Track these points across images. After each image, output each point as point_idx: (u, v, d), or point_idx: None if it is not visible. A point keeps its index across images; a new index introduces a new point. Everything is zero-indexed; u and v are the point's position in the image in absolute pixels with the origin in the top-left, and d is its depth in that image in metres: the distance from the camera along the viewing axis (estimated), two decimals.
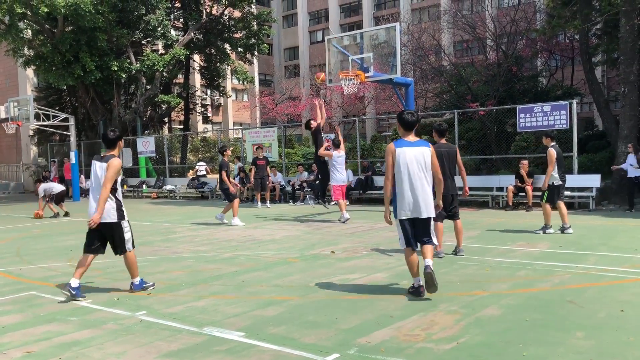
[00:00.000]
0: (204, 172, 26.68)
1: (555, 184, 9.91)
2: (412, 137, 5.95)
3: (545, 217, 10.01)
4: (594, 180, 14.33)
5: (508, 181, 15.12)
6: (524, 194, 14.55)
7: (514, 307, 5.31)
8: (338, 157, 12.94)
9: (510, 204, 14.58)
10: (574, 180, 14.58)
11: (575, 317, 4.96)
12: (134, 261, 6.41)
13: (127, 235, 6.36)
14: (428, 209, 5.81)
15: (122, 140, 6.86)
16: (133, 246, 6.44)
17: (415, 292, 5.81)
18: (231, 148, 32.05)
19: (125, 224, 6.32)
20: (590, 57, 20.93)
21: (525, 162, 14.88)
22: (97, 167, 6.31)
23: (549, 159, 9.85)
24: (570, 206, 14.49)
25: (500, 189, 15.34)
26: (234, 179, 21.24)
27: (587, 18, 18.69)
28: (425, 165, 5.84)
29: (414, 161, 5.81)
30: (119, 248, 6.37)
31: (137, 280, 6.50)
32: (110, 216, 6.22)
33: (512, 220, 12.22)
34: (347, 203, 14.56)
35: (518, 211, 14.19)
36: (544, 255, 7.91)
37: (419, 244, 5.89)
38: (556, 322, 4.83)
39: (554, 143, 10.12)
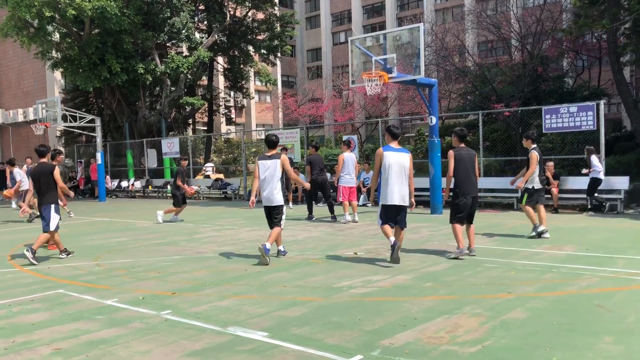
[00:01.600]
0: (209, 173, 27.04)
1: (535, 187, 9.88)
2: (395, 145, 7.90)
3: (530, 218, 9.87)
4: (622, 183, 14.06)
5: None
6: (549, 196, 14.33)
7: (540, 311, 5.23)
8: (348, 157, 13.08)
9: None
10: (602, 182, 14.31)
11: (603, 321, 4.87)
12: (278, 233, 8.38)
13: (283, 216, 8.41)
14: (403, 199, 7.72)
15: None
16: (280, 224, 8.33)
17: (392, 247, 7.70)
18: (253, 149, 32.28)
19: (284, 208, 8.43)
20: (618, 57, 20.54)
21: (551, 163, 14.65)
22: (270, 163, 8.28)
23: (531, 161, 9.74)
24: (598, 208, 14.26)
25: None
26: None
27: (615, 17, 18.35)
28: (404, 168, 7.71)
29: (396, 163, 7.69)
30: (275, 224, 8.31)
31: (281, 247, 8.65)
32: (279, 200, 8.25)
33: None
34: (358, 204, 14.77)
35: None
36: (570, 258, 7.79)
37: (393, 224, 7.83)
38: (584, 326, 4.75)
39: (535, 145, 10.05)
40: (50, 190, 8.94)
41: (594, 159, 13.66)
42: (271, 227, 8.32)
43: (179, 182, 13.92)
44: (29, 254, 8.55)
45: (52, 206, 8.92)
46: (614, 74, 20.11)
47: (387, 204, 7.71)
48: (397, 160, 7.67)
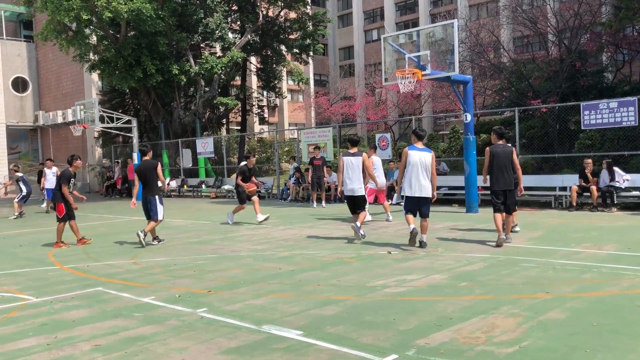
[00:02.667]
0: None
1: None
2: (420, 145, 9.01)
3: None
4: None
5: (572, 181, 14.59)
6: (588, 194, 14.01)
7: (579, 311, 5.11)
8: (376, 160, 12.87)
9: (574, 204, 14.07)
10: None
11: None
12: (365, 215, 10.24)
13: (366, 204, 10.40)
14: (423, 192, 8.75)
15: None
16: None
17: (410, 233, 8.83)
18: (286, 148, 32.40)
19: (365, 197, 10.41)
20: None
21: (590, 161, 14.31)
22: (354, 160, 9.97)
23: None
24: (639, 207, 13.87)
25: (564, 188, 14.82)
26: (289, 179, 21.48)
27: None
28: (426, 165, 8.77)
29: (418, 160, 8.77)
30: (362, 209, 10.08)
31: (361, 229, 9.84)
32: (361, 191, 10.05)
33: (576, 221, 11.78)
34: (392, 203, 15.08)
35: (582, 211, 13.68)
36: (611, 258, 7.59)
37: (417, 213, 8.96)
38: (626, 327, 4.62)
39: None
40: (154, 183, 10.24)
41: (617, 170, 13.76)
42: (358, 212, 10.02)
43: (239, 182, 13.26)
44: (141, 235, 9.98)
45: (157, 197, 10.23)
46: None
47: (410, 196, 8.84)
48: (419, 158, 8.79)
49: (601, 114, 14.58)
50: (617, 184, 13.67)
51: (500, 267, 7.23)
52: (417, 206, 8.86)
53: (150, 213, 10.29)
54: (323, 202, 17.82)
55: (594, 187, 13.79)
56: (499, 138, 9.14)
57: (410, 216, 8.89)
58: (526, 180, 15.84)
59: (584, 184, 14.09)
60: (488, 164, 8.99)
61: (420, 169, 8.72)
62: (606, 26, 21.53)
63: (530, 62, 23.27)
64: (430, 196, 8.83)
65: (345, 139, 18.89)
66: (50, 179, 17.79)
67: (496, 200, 8.92)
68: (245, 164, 13.52)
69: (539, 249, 8.51)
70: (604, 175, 13.90)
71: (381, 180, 12.85)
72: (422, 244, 8.82)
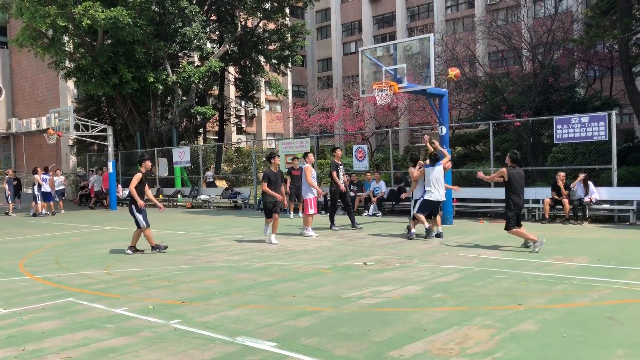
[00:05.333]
0: (212, 179, 27.19)
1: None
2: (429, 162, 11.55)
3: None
4: (634, 193, 13.92)
5: (544, 193, 14.83)
6: (560, 206, 14.25)
7: (551, 323, 5.19)
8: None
9: (547, 216, 14.30)
10: (613, 193, 14.21)
11: (615, 334, 4.82)
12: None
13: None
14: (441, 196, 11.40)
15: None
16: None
17: (427, 230, 11.37)
18: (264, 158, 32.36)
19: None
20: (630, 67, 20.40)
21: (562, 174, 14.57)
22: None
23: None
24: (609, 220, 14.15)
25: (537, 201, 15.06)
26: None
27: (627, 27, 18.26)
28: (439, 177, 11.45)
29: (435, 175, 11.40)
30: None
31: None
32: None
33: (548, 233, 11.96)
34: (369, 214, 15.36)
35: (555, 224, 13.90)
36: (582, 270, 7.72)
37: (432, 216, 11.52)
38: (596, 338, 4.70)
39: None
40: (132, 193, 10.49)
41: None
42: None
43: (265, 188, 11.29)
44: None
45: (133, 207, 10.49)
46: (626, 84, 19.97)
47: (431, 200, 11.32)
48: (436, 173, 11.45)
49: (573, 128, 14.87)
50: (586, 200, 13.94)
51: (474, 278, 7.30)
52: (438, 209, 11.68)
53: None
54: (300, 213, 17.80)
55: (566, 200, 14.02)
56: (512, 162, 9.84)
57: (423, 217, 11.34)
58: (500, 193, 16.06)
59: (556, 197, 14.33)
60: (511, 185, 9.65)
61: (438, 181, 11.39)
62: (577, 43, 22.01)
63: (505, 77, 23.63)
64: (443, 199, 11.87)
65: (330, 149, 18.88)
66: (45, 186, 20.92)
67: (517, 217, 9.79)
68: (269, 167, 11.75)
69: (512, 260, 8.61)
70: (579, 188, 14.16)
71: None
72: (441, 234, 11.45)
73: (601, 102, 21.49)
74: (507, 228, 9.74)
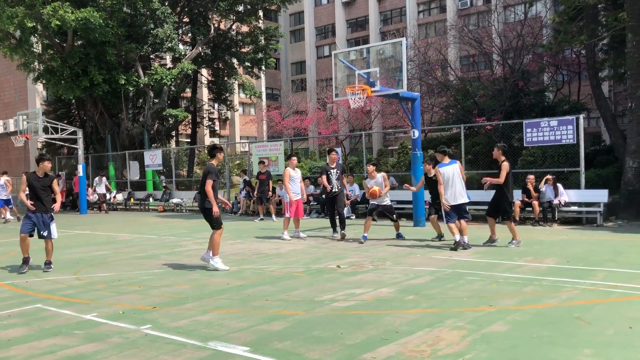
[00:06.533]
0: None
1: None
2: (447, 159, 10.48)
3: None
4: (601, 196, 14.26)
5: (515, 196, 15.01)
6: (530, 208, 14.48)
7: (521, 324, 5.26)
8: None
9: (517, 218, 14.51)
10: (581, 195, 14.52)
11: (583, 334, 4.91)
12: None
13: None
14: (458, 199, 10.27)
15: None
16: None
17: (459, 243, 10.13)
18: (237, 162, 32.21)
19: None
20: (597, 72, 20.91)
21: (532, 176, 14.82)
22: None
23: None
24: (577, 221, 14.43)
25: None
26: (239, 192, 21.32)
27: (593, 33, 18.71)
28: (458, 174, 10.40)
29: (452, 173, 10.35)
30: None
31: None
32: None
33: (519, 235, 12.12)
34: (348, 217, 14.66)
35: (525, 226, 14.11)
36: (551, 271, 7.85)
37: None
38: (564, 338, 4.78)
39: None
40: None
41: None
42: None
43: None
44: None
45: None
46: (593, 89, 20.45)
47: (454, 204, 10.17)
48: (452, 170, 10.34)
49: (542, 131, 15.16)
50: (555, 201, 14.20)
51: (445, 280, 7.37)
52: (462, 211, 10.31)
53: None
54: (273, 216, 17.78)
55: (536, 203, 14.26)
56: (503, 154, 10.30)
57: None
58: (472, 195, 16.28)
59: (526, 199, 14.56)
60: (507, 177, 10.05)
61: (456, 178, 10.22)
62: (546, 48, 22.47)
63: (476, 81, 23.99)
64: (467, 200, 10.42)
65: (304, 152, 18.90)
66: None
67: (511, 207, 10.45)
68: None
69: (483, 262, 8.72)
70: (548, 190, 14.41)
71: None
72: (467, 245, 10.16)
73: (569, 106, 21.96)
74: (507, 218, 10.29)
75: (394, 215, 11.89)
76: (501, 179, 10.07)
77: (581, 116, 15.03)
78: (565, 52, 25.60)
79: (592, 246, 10.26)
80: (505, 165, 10.11)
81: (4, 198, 20.30)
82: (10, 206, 20.79)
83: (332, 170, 12.51)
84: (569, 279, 7.22)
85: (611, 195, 14.75)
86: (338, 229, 12.48)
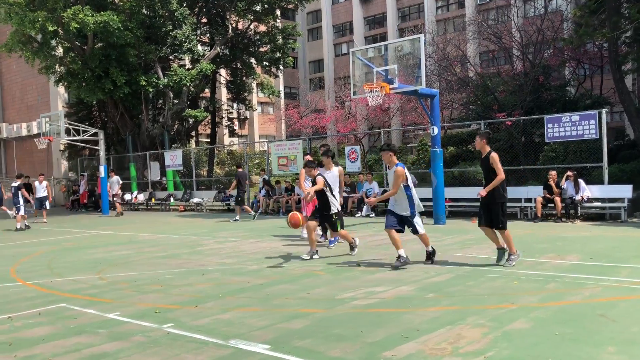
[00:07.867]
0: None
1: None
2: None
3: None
4: (625, 191, 14.03)
5: (536, 192, 14.89)
6: (552, 205, 14.32)
7: (543, 321, 5.21)
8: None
9: (539, 215, 14.36)
10: (605, 191, 14.31)
11: (606, 331, 4.84)
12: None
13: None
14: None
15: None
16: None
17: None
18: (256, 161, 32.35)
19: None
20: (620, 66, 20.53)
21: (554, 172, 14.65)
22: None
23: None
24: (601, 217, 14.22)
25: (529, 200, 15.11)
26: (258, 191, 21.40)
27: (616, 26, 18.38)
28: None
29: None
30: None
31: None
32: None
33: (540, 231, 12.02)
34: (362, 215, 14.47)
35: (547, 222, 13.96)
36: (574, 268, 7.76)
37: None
38: (587, 336, 4.72)
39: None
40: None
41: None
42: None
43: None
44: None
45: None
46: (616, 83, 20.09)
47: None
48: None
49: (564, 127, 14.96)
50: (577, 197, 14.02)
51: (466, 278, 7.32)
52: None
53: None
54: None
55: (558, 199, 14.09)
56: (488, 143, 8.31)
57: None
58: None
59: (548, 195, 14.39)
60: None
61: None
62: (567, 42, 22.13)
63: (496, 76, 23.73)
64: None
65: (318, 151, 18.81)
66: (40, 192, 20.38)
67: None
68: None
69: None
70: (570, 187, 14.23)
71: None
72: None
73: (592, 101, 21.63)
74: (503, 228, 8.04)
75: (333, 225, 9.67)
76: (500, 174, 7.89)
77: (604, 110, 14.79)
78: (587, 46, 25.20)
79: (616, 242, 10.10)
80: (496, 157, 7.98)
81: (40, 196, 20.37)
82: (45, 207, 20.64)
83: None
84: (592, 276, 7.12)
85: (635, 190, 14.50)
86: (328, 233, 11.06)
